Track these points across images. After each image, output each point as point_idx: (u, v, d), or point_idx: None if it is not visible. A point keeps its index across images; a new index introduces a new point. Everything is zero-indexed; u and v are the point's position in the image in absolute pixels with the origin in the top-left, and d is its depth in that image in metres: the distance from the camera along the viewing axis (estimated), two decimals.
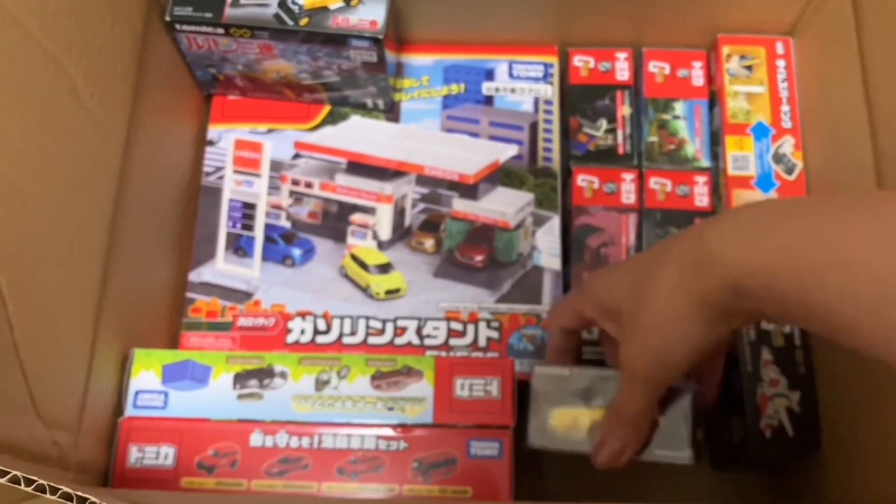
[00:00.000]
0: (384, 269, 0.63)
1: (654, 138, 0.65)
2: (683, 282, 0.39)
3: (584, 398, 0.48)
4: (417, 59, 0.69)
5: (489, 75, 0.68)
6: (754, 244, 0.36)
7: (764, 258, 0.36)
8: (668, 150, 0.65)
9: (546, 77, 0.68)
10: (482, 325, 0.61)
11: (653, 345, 0.42)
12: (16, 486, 0.29)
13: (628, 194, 0.64)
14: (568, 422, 0.48)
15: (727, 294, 0.38)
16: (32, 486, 0.29)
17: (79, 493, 0.30)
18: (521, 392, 0.54)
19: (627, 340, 0.43)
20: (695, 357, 0.41)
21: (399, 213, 0.65)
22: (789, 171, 0.62)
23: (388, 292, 0.62)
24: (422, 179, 0.66)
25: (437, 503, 0.52)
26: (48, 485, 0.30)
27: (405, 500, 0.52)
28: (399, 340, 0.61)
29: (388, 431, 0.52)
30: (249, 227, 0.65)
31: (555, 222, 0.64)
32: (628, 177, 0.64)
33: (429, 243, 0.64)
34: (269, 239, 0.64)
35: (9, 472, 0.29)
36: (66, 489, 0.30)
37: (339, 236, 0.65)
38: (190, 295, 0.63)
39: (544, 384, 0.49)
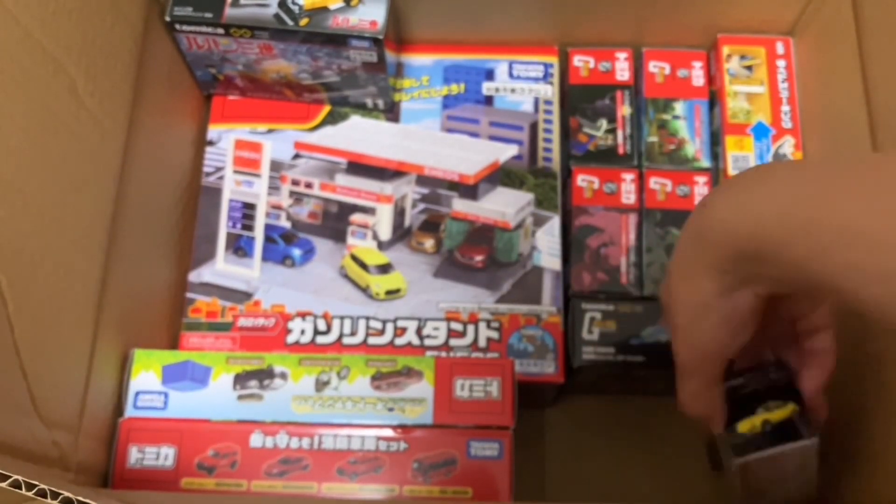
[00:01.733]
0: (384, 269, 0.63)
1: (654, 138, 0.65)
2: (694, 252, 0.39)
3: None
4: (417, 59, 0.69)
5: (489, 75, 0.68)
6: (754, 211, 0.36)
7: (764, 225, 0.35)
8: (669, 151, 0.65)
9: (546, 77, 0.68)
10: (482, 325, 0.61)
11: (679, 324, 0.41)
12: (16, 490, 0.29)
13: (628, 194, 0.64)
14: None
15: (735, 260, 0.37)
16: (33, 491, 0.29)
17: (79, 498, 0.30)
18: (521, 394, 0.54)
19: (677, 336, 0.43)
20: (725, 331, 0.40)
21: (399, 213, 0.65)
22: None
23: (388, 292, 0.62)
24: (422, 179, 0.66)
25: (437, 503, 0.52)
26: (49, 489, 0.30)
27: (405, 501, 0.52)
28: (399, 341, 0.61)
29: (388, 432, 0.52)
30: (249, 228, 0.65)
31: (555, 222, 0.64)
32: (628, 177, 0.64)
33: (429, 243, 0.64)
34: (269, 239, 0.64)
35: (10, 477, 0.29)
36: (66, 494, 0.30)
37: (339, 236, 0.65)
38: (190, 295, 0.63)
39: None
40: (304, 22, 0.59)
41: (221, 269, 0.64)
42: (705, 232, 0.38)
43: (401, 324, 0.61)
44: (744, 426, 0.47)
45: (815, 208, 0.33)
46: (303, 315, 0.62)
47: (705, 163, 0.65)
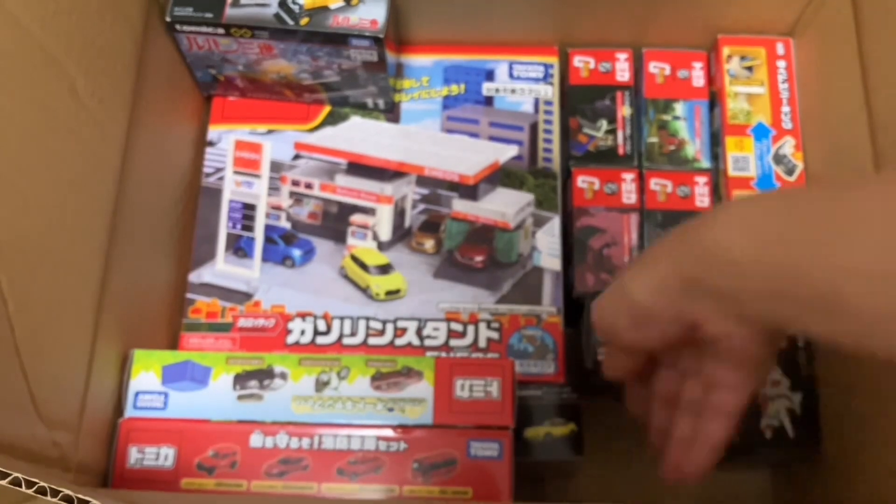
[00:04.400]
0: (384, 269, 0.63)
1: (654, 139, 0.65)
2: (671, 251, 0.38)
3: None
4: (417, 60, 0.69)
5: (489, 76, 0.68)
6: (753, 248, 0.34)
7: (762, 263, 0.34)
8: (669, 151, 0.65)
9: (546, 77, 0.68)
10: (482, 325, 0.61)
11: (609, 292, 0.41)
12: (17, 488, 0.29)
13: (629, 194, 0.64)
14: None
15: (702, 282, 0.36)
16: (33, 489, 0.29)
17: (79, 496, 0.30)
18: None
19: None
20: (649, 327, 0.39)
21: (399, 213, 0.65)
22: (790, 171, 0.62)
23: (389, 293, 0.62)
24: (422, 180, 0.66)
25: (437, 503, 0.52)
26: (49, 487, 0.30)
27: (405, 501, 0.52)
28: (399, 341, 0.61)
29: (388, 432, 0.52)
30: (249, 228, 0.65)
31: (555, 223, 0.64)
32: (628, 177, 0.64)
33: (429, 244, 0.64)
34: (269, 240, 0.64)
35: (10, 474, 0.29)
36: (66, 492, 0.30)
37: (339, 237, 0.65)
38: (190, 296, 0.63)
39: None
40: (304, 21, 0.59)
41: (221, 269, 0.64)
42: (692, 244, 0.36)
43: (401, 324, 0.61)
44: (529, 433, 0.58)
45: (801, 260, 0.32)
46: (303, 315, 0.62)
47: (705, 163, 0.65)
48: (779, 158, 0.63)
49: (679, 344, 0.40)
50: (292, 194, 0.66)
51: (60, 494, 0.29)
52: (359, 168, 0.66)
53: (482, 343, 0.61)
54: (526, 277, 0.63)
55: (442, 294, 0.62)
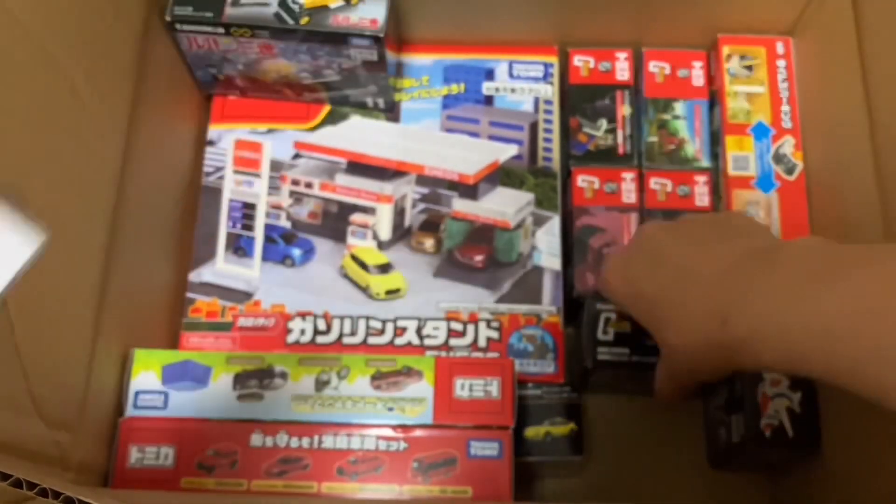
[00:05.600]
0: (384, 269, 0.63)
1: (654, 138, 0.65)
2: (703, 332, 0.43)
3: None
4: (417, 59, 0.69)
5: (489, 75, 0.68)
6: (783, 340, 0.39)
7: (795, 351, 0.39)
8: (668, 150, 0.65)
9: (546, 77, 0.68)
10: (482, 325, 0.61)
11: (679, 360, 0.47)
12: (17, 489, 0.29)
13: (629, 193, 0.64)
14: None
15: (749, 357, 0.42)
16: (34, 490, 0.29)
17: (80, 498, 0.30)
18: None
19: (663, 349, 0.48)
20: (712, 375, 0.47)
21: (399, 213, 0.65)
22: (789, 171, 0.62)
23: (388, 292, 0.62)
24: (422, 179, 0.66)
25: (437, 503, 0.52)
26: (50, 489, 0.30)
27: (405, 501, 0.52)
28: (399, 340, 0.61)
29: (388, 432, 0.52)
30: (249, 228, 0.65)
31: (555, 222, 0.64)
32: (628, 176, 0.64)
33: (429, 243, 0.64)
34: (269, 239, 0.64)
35: (11, 476, 0.29)
36: (67, 493, 0.30)
37: (339, 236, 0.65)
38: (190, 295, 0.63)
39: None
40: (304, 21, 0.59)
41: (221, 268, 0.64)
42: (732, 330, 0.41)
43: (401, 323, 0.61)
44: (530, 432, 0.58)
45: (848, 329, 0.36)
46: (303, 315, 0.62)
47: (705, 163, 0.65)
48: (779, 158, 0.63)
49: None
50: (292, 193, 0.66)
51: (61, 496, 0.30)
52: (359, 167, 0.66)
53: (482, 342, 0.61)
54: (526, 277, 0.63)
55: (442, 293, 0.62)
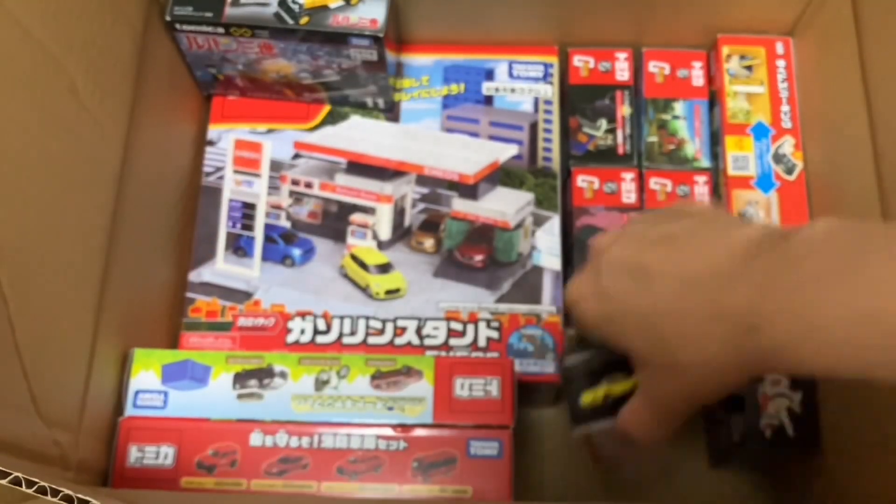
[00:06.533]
0: (384, 268, 0.63)
1: (653, 138, 0.65)
2: (728, 342, 0.37)
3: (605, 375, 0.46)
4: (417, 59, 0.69)
5: (489, 75, 0.68)
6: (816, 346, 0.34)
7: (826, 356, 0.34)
8: (668, 150, 0.65)
9: (546, 77, 0.68)
10: (482, 325, 0.61)
11: (690, 381, 0.40)
12: (17, 487, 0.29)
13: (629, 193, 0.64)
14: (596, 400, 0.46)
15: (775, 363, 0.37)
16: (34, 488, 0.29)
17: (80, 496, 0.30)
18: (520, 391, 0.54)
19: (659, 374, 0.42)
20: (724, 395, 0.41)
21: (399, 213, 0.65)
22: (789, 171, 0.62)
23: (388, 292, 0.62)
24: (422, 179, 0.66)
25: (437, 503, 0.52)
26: (49, 487, 0.30)
27: (405, 500, 0.52)
28: (399, 340, 0.61)
29: (388, 431, 0.52)
30: (249, 227, 0.65)
31: (555, 222, 0.64)
32: (628, 176, 0.64)
33: (429, 243, 0.64)
34: (268, 239, 0.64)
35: (10, 474, 0.29)
36: (67, 491, 0.30)
37: (338, 236, 0.65)
38: (190, 295, 0.63)
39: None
40: (304, 20, 0.59)
41: (221, 268, 0.64)
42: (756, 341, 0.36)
43: (400, 323, 0.61)
44: (586, 398, 0.46)
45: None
46: (303, 315, 0.62)
47: (705, 163, 0.65)
48: (778, 157, 0.63)
49: None
50: (292, 193, 0.66)
51: (60, 494, 0.30)
52: (359, 167, 0.66)
53: (482, 342, 0.61)
54: (526, 277, 0.63)
55: (442, 293, 0.62)
